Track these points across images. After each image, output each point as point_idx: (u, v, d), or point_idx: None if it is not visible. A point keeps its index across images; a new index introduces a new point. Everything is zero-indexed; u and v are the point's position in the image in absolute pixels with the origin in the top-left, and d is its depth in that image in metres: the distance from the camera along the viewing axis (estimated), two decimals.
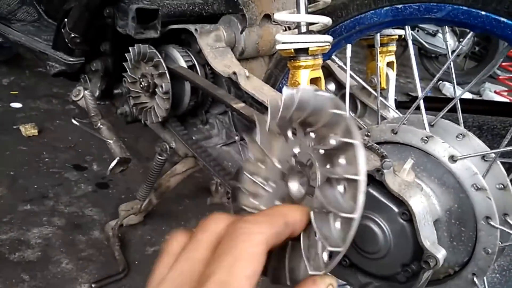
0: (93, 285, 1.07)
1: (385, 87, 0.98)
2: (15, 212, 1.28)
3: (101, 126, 1.07)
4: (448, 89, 3.58)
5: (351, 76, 0.92)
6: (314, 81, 0.76)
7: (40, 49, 1.23)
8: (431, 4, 0.71)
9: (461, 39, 3.56)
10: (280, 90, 0.94)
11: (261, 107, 0.90)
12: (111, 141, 1.04)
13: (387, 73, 0.98)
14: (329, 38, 0.74)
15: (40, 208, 1.31)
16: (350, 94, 1.04)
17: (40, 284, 1.06)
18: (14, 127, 1.75)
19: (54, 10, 1.57)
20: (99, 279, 1.09)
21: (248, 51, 1.06)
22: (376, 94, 0.90)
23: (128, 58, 1.04)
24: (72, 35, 1.05)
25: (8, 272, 1.08)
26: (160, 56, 0.99)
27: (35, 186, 1.41)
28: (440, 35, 3.81)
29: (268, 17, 1.07)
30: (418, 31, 3.89)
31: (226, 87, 1.00)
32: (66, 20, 1.05)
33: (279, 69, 0.99)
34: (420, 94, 0.80)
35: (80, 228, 1.26)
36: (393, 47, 0.98)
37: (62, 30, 1.08)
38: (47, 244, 1.18)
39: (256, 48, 1.06)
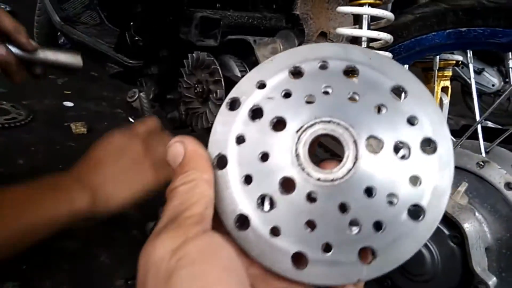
0: (129, 282, 1.10)
1: None
2: None
3: None
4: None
5: None
6: None
7: (103, 50, 1.30)
8: (497, 29, 0.71)
9: (507, 79, 3.47)
10: None
11: None
12: None
13: (441, 97, 0.97)
14: (389, 55, 0.75)
15: None
16: None
17: (79, 275, 1.09)
18: (65, 124, 1.84)
19: (116, 16, 1.66)
20: (135, 276, 1.11)
21: None
22: None
23: (186, 64, 1.08)
24: (136, 38, 1.10)
25: (49, 259, 1.12)
26: (217, 64, 1.02)
27: None
28: (485, 73, 3.73)
29: (324, 34, 1.10)
30: (462, 67, 3.81)
31: None
32: (131, 23, 1.11)
33: None
34: (478, 118, 0.79)
35: (120, 225, 1.29)
36: (449, 72, 0.98)
37: (127, 33, 1.14)
38: (88, 237, 1.22)
39: None
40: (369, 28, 0.76)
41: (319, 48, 0.35)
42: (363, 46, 0.76)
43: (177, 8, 1.02)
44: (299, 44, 1.03)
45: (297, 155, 0.33)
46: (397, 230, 0.31)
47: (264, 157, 0.33)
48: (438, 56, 0.88)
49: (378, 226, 0.32)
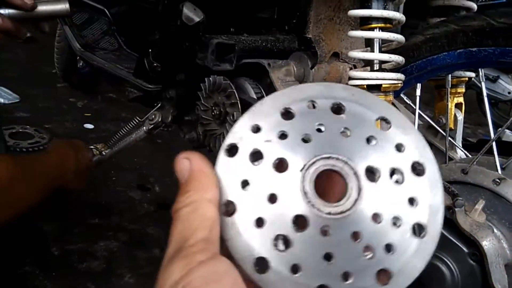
0: None
1: (453, 128, 0.98)
2: (84, 224, 1.38)
3: None
4: (508, 136, 3.43)
5: (419, 115, 0.93)
6: None
7: (122, 75, 1.34)
8: (507, 48, 0.73)
9: None
10: None
11: None
12: None
13: (455, 114, 0.98)
14: (401, 76, 0.76)
15: (106, 223, 1.40)
16: None
17: None
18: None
19: (133, 42, 1.71)
20: None
21: None
22: (444, 134, 0.91)
23: (202, 88, 1.12)
24: (155, 64, 1.14)
25: (76, 280, 1.15)
26: (233, 87, 1.06)
27: (103, 202, 1.50)
28: (500, 80, 3.70)
29: (336, 55, 1.12)
30: (477, 76, 3.75)
31: None
32: (150, 50, 1.15)
33: None
34: (492, 135, 0.80)
35: (142, 245, 1.32)
36: (462, 89, 0.99)
37: (145, 59, 1.18)
38: (112, 257, 1.25)
39: None
40: (380, 51, 0.78)
41: (305, 89, 0.37)
42: (375, 68, 0.78)
43: (193, 35, 1.06)
44: (313, 66, 1.06)
45: (305, 193, 0.34)
46: (406, 249, 0.34)
47: (272, 198, 0.34)
48: (450, 75, 0.89)
49: (388, 248, 0.34)
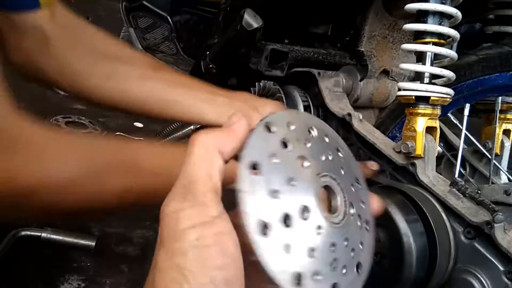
0: None
1: (499, 154, 0.97)
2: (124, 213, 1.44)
3: None
4: None
5: (466, 137, 0.93)
6: (429, 130, 0.79)
7: None
8: None
9: None
10: (390, 138, 0.98)
11: (369, 151, 0.94)
12: None
13: (502, 140, 0.97)
14: (451, 91, 0.78)
15: (145, 214, 1.46)
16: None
17: (136, 278, 1.17)
18: None
19: (191, 49, 1.81)
20: None
21: (362, 100, 1.12)
22: (490, 157, 0.90)
23: (252, 91, 1.17)
24: (210, 66, 1.21)
25: (111, 260, 1.21)
26: (282, 92, 1.10)
27: None
28: None
29: (386, 72, 1.14)
30: None
31: (335, 128, 1.07)
32: (207, 52, 1.23)
33: (391, 119, 1.04)
34: None
35: None
36: (511, 115, 0.98)
37: (202, 61, 1.26)
38: (147, 244, 1.30)
39: (370, 98, 1.13)
40: (432, 65, 0.80)
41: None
42: (425, 81, 0.79)
43: (250, 40, 1.12)
44: (362, 79, 1.09)
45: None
46: None
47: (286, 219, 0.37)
48: (500, 98, 0.89)
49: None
